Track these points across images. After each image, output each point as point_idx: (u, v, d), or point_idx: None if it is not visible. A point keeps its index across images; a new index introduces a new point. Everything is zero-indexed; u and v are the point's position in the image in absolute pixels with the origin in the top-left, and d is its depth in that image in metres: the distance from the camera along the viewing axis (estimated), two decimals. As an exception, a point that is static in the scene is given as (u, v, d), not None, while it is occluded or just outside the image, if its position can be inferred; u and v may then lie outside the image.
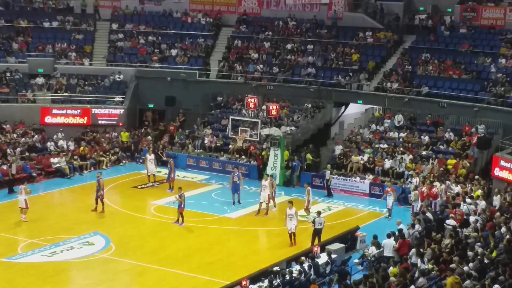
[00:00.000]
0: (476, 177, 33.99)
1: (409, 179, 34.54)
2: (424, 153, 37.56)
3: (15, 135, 39.88)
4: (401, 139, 39.24)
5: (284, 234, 27.62)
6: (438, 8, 48.00)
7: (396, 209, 32.72)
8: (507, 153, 33.77)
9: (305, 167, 37.97)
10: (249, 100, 39.85)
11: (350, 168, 37.60)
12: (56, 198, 35.17)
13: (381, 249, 25.12)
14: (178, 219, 30.00)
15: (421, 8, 48.39)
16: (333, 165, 37.68)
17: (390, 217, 31.69)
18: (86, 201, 32.15)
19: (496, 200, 29.66)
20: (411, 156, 37.10)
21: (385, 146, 38.56)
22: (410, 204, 32.06)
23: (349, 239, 27.45)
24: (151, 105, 46.22)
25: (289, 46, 47.06)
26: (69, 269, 25.50)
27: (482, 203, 28.53)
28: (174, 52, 47.60)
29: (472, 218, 26.84)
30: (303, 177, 37.04)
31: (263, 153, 38.88)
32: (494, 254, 21.99)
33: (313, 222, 27.32)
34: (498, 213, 26.65)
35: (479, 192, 30.94)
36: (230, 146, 40.76)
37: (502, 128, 38.00)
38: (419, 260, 22.34)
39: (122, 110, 43.85)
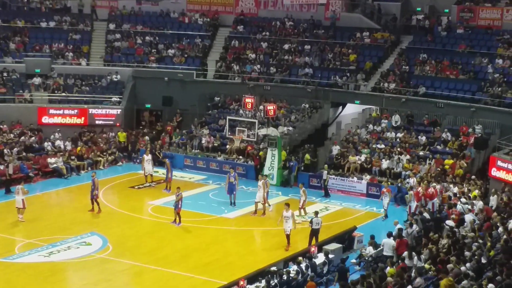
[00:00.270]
0: (473, 177, 34.04)
1: (407, 180, 34.53)
2: (421, 153, 37.60)
3: (12, 135, 39.83)
4: (398, 139, 39.27)
5: (281, 235, 27.58)
6: (435, 9, 48.07)
7: (393, 209, 32.76)
8: (504, 153, 33.81)
9: (302, 168, 37.93)
10: (246, 100, 39.92)
11: (347, 168, 37.63)
12: (53, 198, 35.13)
13: (379, 249, 25.16)
14: (175, 219, 29.99)
15: (418, 9, 48.41)
16: (330, 165, 37.71)
17: (385, 218, 31.72)
18: (83, 201, 32.11)
19: (493, 200, 29.69)
20: (408, 156, 37.14)
21: (382, 146, 38.60)
22: (406, 204, 32.11)
23: (346, 239, 27.46)
24: (148, 105, 46.21)
25: (286, 46, 47.08)
26: (66, 269, 25.47)
27: (479, 203, 28.56)
28: (171, 52, 47.59)
29: (467, 217, 26.91)
30: (301, 177, 37.05)
31: (260, 153, 38.88)
32: (492, 253, 22.03)
33: (311, 222, 27.31)
34: (495, 213, 26.70)
35: (476, 192, 30.98)
36: (228, 146, 40.75)
37: (499, 128, 38.04)
38: (415, 259, 22.37)
39: (119, 110, 43.81)
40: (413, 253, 22.72)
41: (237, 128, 38.53)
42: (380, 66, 44.61)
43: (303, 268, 22.97)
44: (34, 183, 36.02)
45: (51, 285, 23.62)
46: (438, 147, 38.07)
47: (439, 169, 35.58)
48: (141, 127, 44.98)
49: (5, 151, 37.37)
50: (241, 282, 21.61)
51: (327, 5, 48.63)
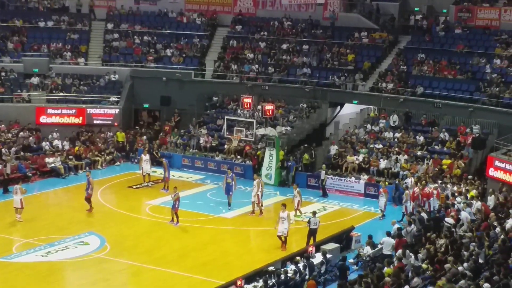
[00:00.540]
0: (470, 177, 34.07)
1: (405, 180, 34.54)
2: (419, 153, 37.63)
3: (10, 135, 39.82)
4: (396, 139, 39.30)
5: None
6: (433, 9, 48.08)
7: (391, 209, 32.80)
8: (501, 153, 33.85)
9: (300, 168, 37.88)
10: (244, 100, 39.93)
11: (345, 168, 37.64)
12: (51, 198, 35.11)
13: (376, 249, 25.19)
14: (172, 218, 30.00)
15: (417, 9, 48.45)
16: (328, 165, 37.72)
17: (382, 218, 31.75)
18: (81, 201, 32.05)
19: (491, 200, 29.73)
20: (406, 156, 37.16)
21: (380, 146, 38.62)
22: (402, 204, 32.15)
23: (344, 239, 27.49)
24: (146, 105, 46.23)
25: (284, 46, 47.10)
26: (64, 269, 25.48)
27: (477, 204, 28.58)
28: (169, 52, 47.59)
29: (463, 214, 27.01)
30: (299, 177, 37.07)
31: (258, 153, 38.89)
32: (489, 253, 22.06)
33: (308, 222, 27.31)
34: (492, 213, 26.73)
35: (474, 192, 31.01)
36: (226, 146, 40.76)
37: (497, 129, 38.09)
38: (412, 258, 22.41)
39: (117, 110, 43.81)
40: (407, 251, 22.78)
41: (235, 128, 38.53)
42: (378, 66, 44.63)
43: (301, 268, 22.99)
44: (32, 183, 36.00)
45: (49, 284, 23.62)
46: (436, 147, 38.10)
47: (437, 169, 35.62)
48: (136, 127, 44.97)
49: (3, 150, 37.37)
50: (239, 282, 21.62)
51: (325, 5, 48.67)
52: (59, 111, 42.61)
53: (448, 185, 32.91)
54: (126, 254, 26.46)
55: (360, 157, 37.99)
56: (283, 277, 22.11)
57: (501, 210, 27.79)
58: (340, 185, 36.49)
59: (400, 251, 23.24)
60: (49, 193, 35.40)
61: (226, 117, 39.85)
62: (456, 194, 31.17)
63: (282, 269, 22.88)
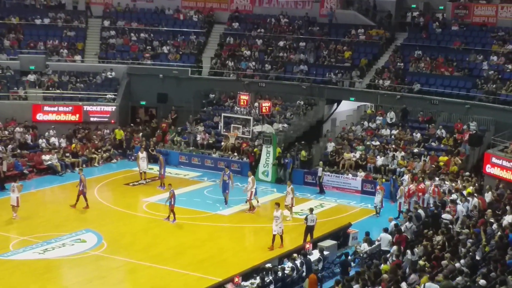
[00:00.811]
0: (467, 174, 34.09)
1: (402, 177, 34.51)
2: (416, 150, 37.63)
3: (6, 132, 39.75)
4: (393, 136, 39.30)
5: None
6: (430, 6, 48.05)
7: (388, 205, 32.80)
8: (498, 150, 33.88)
9: (297, 165, 37.77)
10: (241, 97, 39.91)
11: (342, 165, 37.64)
12: (48, 195, 35.05)
13: (373, 245, 25.19)
14: (169, 216, 29.97)
15: (413, 6, 48.40)
16: (325, 162, 37.71)
17: (378, 215, 31.76)
18: (81, 199, 31.96)
19: (488, 197, 29.73)
20: (403, 153, 37.16)
21: (377, 143, 38.62)
22: (396, 200, 32.20)
23: (341, 236, 27.49)
24: (143, 102, 46.18)
25: (281, 43, 47.08)
26: (61, 266, 25.47)
27: (474, 200, 28.60)
28: (166, 49, 47.54)
29: (459, 207, 27.13)
30: (296, 174, 37.08)
31: (255, 150, 38.86)
32: (487, 250, 22.08)
33: (306, 219, 27.32)
34: (489, 210, 26.75)
35: (471, 189, 31.02)
36: (223, 143, 40.73)
37: (493, 125, 38.10)
38: (408, 253, 22.45)
39: (114, 107, 43.77)
40: (400, 247, 22.88)
41: (232, 125, 38.53)
42: (375, 63, 44.61)
43: (298, 265, 23.00)
44: (29, 180, 35.93)
45: (45, 282, 23.58)
46: (433, 144, 38.13)
47: (434, 166, 35.63)
48: (132, 124, 44.90)
49: (0, 148, 37.29)
50: (236, 279, 21.62)
51: (322, 2, 48.66)
52: (55, 109, 42.56)
53: (447, 182, 32.89)
54: (123, 251, 26.44)
55: (357, 154, 37.98)
56: (280, 274, 22.11)
57: (497, 206, 27.81)
58: (337, 182, 36.49)
59: (395, 247, 23.27)
60: (45, 190, 35.35)
61: (223, 114, 39.85)
62: (453, 191, 31.17)
63: (279, 266, 22.89)
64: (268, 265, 23.19)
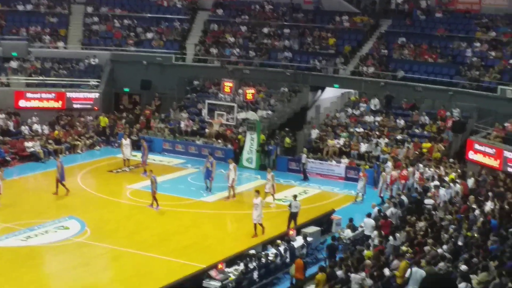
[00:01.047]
0: (452, 160, 34.26)
1: (386, 164, 34.60)
2: (399, 136, 37.77)
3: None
4: (376, 123, 39.41)
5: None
6: (414, -8, 48.07)
7: (371, 191, 32.86)
8: (481, 137, 34.08)
9: (278, 152, 37.70)
10: (225, 84, 39.84)
11: (326, 152, 37.71)
12: (31, 182, 34.87)
13: (357, 232, 25.29)
14: (152, 203, 29.90)
15: (397, -8, 48.38)
16: (309, 149, 37.76)
17: (360, 201, 31.83)
18: (60, 185, 31.87)
19: (470, 183, 29.93)
20: (386, 140, 37.28)
21: (361, 130, 38.71)
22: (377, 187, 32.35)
23: (324, 222, 27.55)
24: (126, 89, 45.99)
25: (265, 30, 46.98)
26: (44, 253, 25.35)
27: (456, 187, 28.76)
28: (150, 35, 47.31)
29: (441, 191, 27.44)
30: (279, 161, 37.13)
31: (239, 137, 38.82)
32: (469, 235, 22.23)
33: (289, 205, 27.35)
34: (472, 196, 26.92)
35: (453, 175, 31.19)
36: (207, 130, 40.65)
37: (476, 112, 38.30)
38: (391, 239, 22.57)
39: (97, 94, 43.57)
40: (380, 232, 23.03)
41: (216, 112, 38.46)
42: (359, 50, 44.63)
43: (282, 251, 23.04)
44: (11, 167, 35.74)
45: (28, 269, 23.46)
46: (416, 130, 38.27)
47: (417, 153, 35.78)
48: (115, 112, 44.69)
49: (-18, 135, 37.09)
50: (220, 265, 21.63)
51: (306, -12, 48.56)
52: (38, 95, 42.31)
53: (430, 169, 33.02)
54: (107, 238, 26.34)
55: (341, 141, 38.07)
56: (264, 260, 22.15)
57: (479, 192, 28.01)
58: (321, 168, 36.55)
59: (375, 232, 23.39)
60: (28, 177, 35.16)
61: (207, 101, 39.77)
62: (435, 177, 31.33)
63: (263, 253, 22.92)
64: (252, 251, 23.22)
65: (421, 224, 24.03)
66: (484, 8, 44.62)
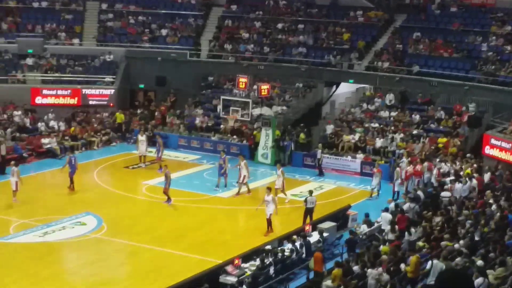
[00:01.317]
0: (469, 155, 34.11)
1: (402, 159, 34.52)
2: (415, 132, 37.66)
3: (5, 116, 39.72)
4: (392, 118, 39.32)
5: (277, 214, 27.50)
6: (428, -13, 47.88)
7: (386, 187, 32.73)
8: (497, 131, 33.91)
9: (292, 148, 37.65)
10: (240, 80, 39.83)
11: (342, 147, 37.69)
12: (48, 178, 35.07)
13: (373, 227, 25.27)
14: (168, 199, 29.97)
15: (412, -13, 48.22)
16: (325, 144, 37.74)
17: (375, 197, 31.73)
18: (77, 182, 32.07)
19: (487, 178, 29.82)
20: (402, 135, 37.20)
21: (376, 125, 38.64)
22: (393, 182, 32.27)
23: (340, 217, 27.55)
24: (141, 85, 46.12)
25: (280, 25, 46.94)
26: (61, 249, 25.53)
27: (473, 182, 28.66)
28: (164, 32, 47.41)
29: (457, 186, 27.43)
30: (295, 157, 37.18)
31: (255, 132, 38.85)
32: (485, 230, 22.17)
33: (305, 201, 27.37)
34: (488, 191, 26.84)
35: (469, 170, 31.08)
36: (222, 126, 40.72)
37: (492, 107, 38.10)
38: (406, 234, 22.56)
39: (112, 91, 43.74)
40: (396, 227, 23.01)
41: (231, 108, 38.47)
42: (374, 45, 44.49)
43: (298, 247, 23.08)
44: (28, 164, 35.99)
45: (46, 264, 23.65)
46: (432, 125, 38.16)
47: (433, 148, 35.67)
48: (131, 109, 44.79)
49: (-1, 131, 37.32)
50: (236, 261, 21.71)
51: (321, -16, 48.46)
52: (54, 92, 42.52)
53: (447, 164, 32.89)
54: (123, 234, 26.48)
55: (356, 136, 38.02)
56: (280, 256, 22.21)
57: (494, 186, 27.93)
58: (337, 164, 36.54)
59: (389, 226, 23.38)
60: (45, 173, 35.38)
61: (221, 97, 39.78)
62: (452, 172, 31.24)
63: (279, 248, 22.97)
64: (268, 247, 23.28)
65: (438, 219, 23.99)
66: (499, 2, 44.36)
